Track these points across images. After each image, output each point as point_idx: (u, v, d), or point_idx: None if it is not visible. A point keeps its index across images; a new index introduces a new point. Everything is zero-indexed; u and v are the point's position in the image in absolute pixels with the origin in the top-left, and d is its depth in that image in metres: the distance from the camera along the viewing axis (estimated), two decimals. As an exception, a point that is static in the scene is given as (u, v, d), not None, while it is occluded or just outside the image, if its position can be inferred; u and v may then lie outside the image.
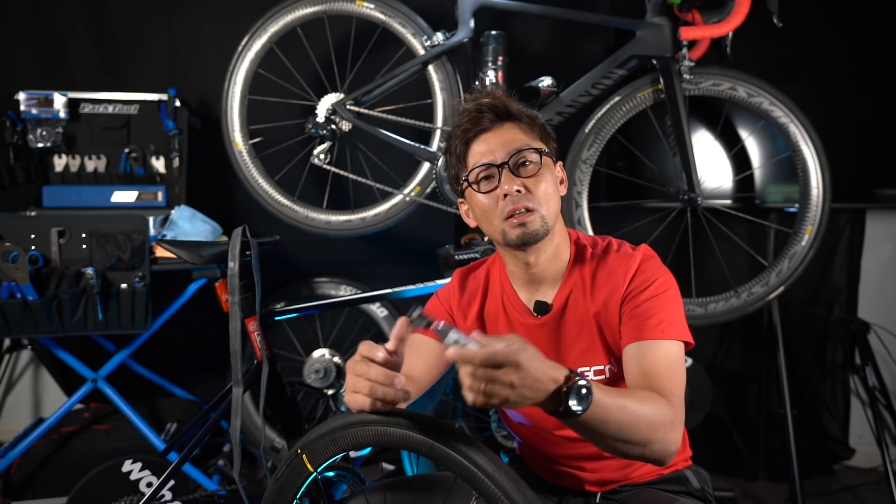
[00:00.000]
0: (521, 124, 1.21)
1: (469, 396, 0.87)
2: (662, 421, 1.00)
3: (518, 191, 1.16)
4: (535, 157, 1.18)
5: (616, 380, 1.23)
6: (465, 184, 1.22)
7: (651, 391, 1.06)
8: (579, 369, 1.23)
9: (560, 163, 1.27)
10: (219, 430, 2.54)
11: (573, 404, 0.90)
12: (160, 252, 2.10)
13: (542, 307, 1.25)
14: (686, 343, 1.15)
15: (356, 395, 0.98)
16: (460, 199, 1.28)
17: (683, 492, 1.27)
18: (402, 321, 1.00)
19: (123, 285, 2.05)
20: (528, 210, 1.16)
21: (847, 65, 2.45)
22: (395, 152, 2.23)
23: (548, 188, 1.19)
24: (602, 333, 1.22)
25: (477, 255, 1.97)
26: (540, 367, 0.89)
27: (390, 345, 1.00)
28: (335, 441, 1.06)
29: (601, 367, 1.23)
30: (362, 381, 0.97)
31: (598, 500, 1.29)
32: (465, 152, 1.21)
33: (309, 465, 1.09)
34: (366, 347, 0.98)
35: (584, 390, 0.91)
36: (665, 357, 1.11)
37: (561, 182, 1.26)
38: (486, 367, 0.85)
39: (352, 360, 0.99)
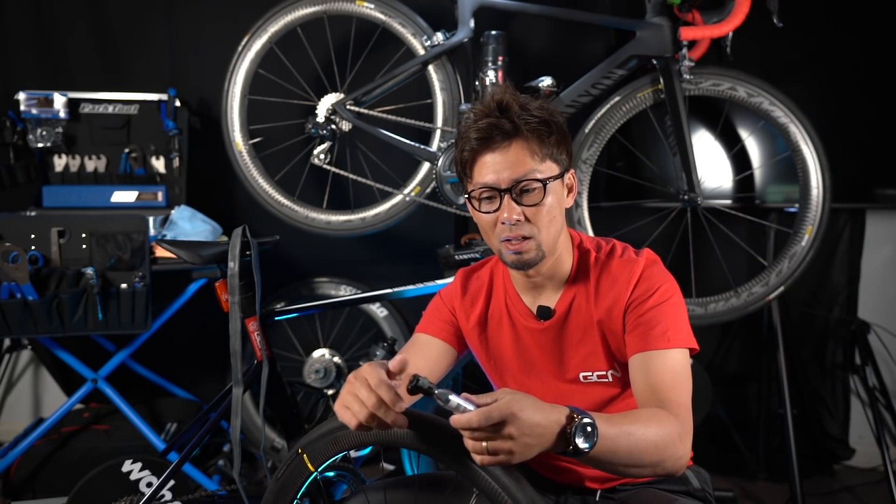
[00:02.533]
0: (531, 143, 1.14)
1: (476, 459, 0.90)
2: (670, 438, 1.01)
3: (517, 219, 1.14)
4: (539, 185, 1.14)
5: (620, 385, 1.24)
6: (468, 196, 1.20)
7: (658, 405, 1.08)
8: (581, 374, 1.24)
9: (572, 171, 1.24)
10: (219, 430, 2.54)
11: (580, 443, 0.91)
12: (160, 252, 2.10)
13: (544, 312, 1.25)
14: (691, 349, 1.16)
15: (347, 412, 0.96)
16: (465, 197, 1.25)
17: (684, 492, 1.27)
18: (401, 361, 0.99)
19: (123, 285, 2.05)
20: (526, 238, 1.15)
21: (847, 65, 2.45)
22: (395, 152, 2.23)
23: (550, 213, 1.16)
24: (605, 339, 1.21)
25: (477, 256, 1.97)
26: (537, 413, 0.90)
27: (393, 366, 0.99)
28: (336, 441, 1.06)
29: (603, 373, 1.23)
30: (359, 405, 0.94)
31: (597, 499, 1.29)
32: (472, 164, 1.18)
33: (310, 465, 1.09)
34: (373, 377, 0.94)
35: (588, 427, 0.92)
36: (671, 368, 1.12)
37: (569, 192, 1.23)
38: (484, 429, 0.87)
39: (355, 378, 0.96)
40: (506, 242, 1.16)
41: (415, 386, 0.92)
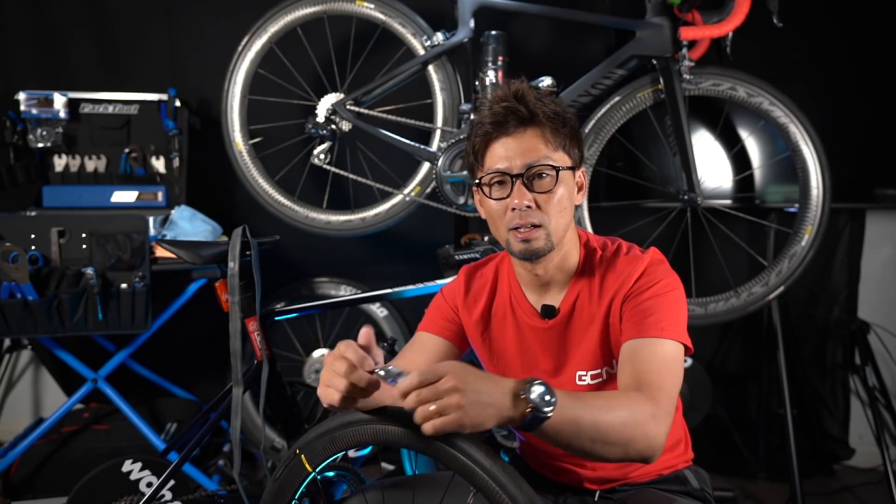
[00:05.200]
0: (545, 131, 1.16)
1: (426, 427, 0.86)
2: (640, 417, 0.97)
3: (528, 206, 1.14)
4: (551, 171, 1.15)
5: (612, 380, 1.23)
6: (478, 184, 1.20)
7: (637, 388, 1.04)
8: (577, 373, 1.23)
9: (583, 170, 1.24)
10: (219, 430, 2.54)
11: (538, 402, 0.88)
12: (160, 252, 2.10)
13: (549, 311, 1.24)
14: (686, 347, 1.14)
15: (329, 389, 0.98)
16: (475, 187, 1.24)
17: (683, 492, 1.27)
18: (366, 330, 1.02)
19: (123, 285, 2.05)
20: (535, 226, 1.15)
21: (847, 65, 2.45)
22: (395, 152, 2.23)
23: (561, 203, 1.16)
24: (605, 334, 1.20)
25: (477, 255, 1.96)
26: (481, 378, 0.89)
27: (361, 341, 1.02)
28: (334, 441, 1.06)
29: (598, 371, 1.22)
30: (337, 378, 0.97)
31: (596, 499, 1.29)
32: (484, 151, 1.18)
33: (308, 465, 1.09)
34: (342, 346, 0.99)
35: (543, 387, 0.89)
36: (661, 356, 1.09)
37: (579, 189, 1.23)
38: (427, 387, 0.86)
39: (330, 356, 1.00)
40: (514, 231, 1.16)
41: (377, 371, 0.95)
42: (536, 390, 0.89)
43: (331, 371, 0.98)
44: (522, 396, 0.89)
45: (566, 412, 0.91)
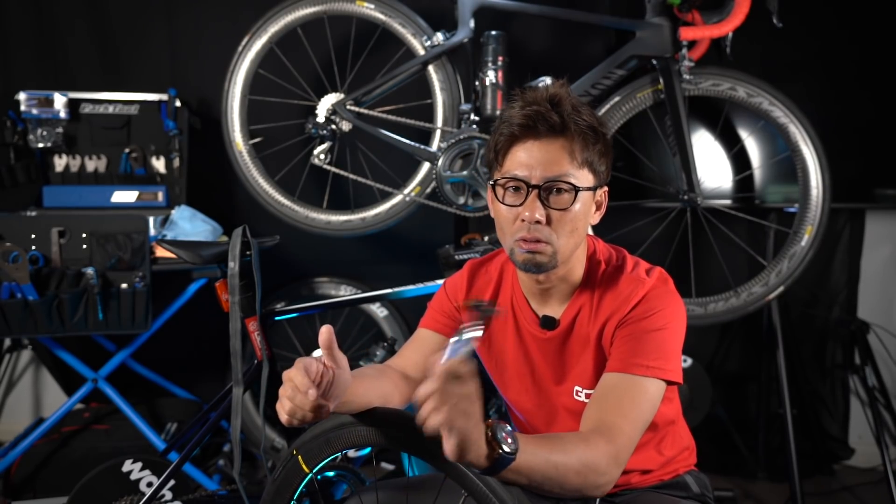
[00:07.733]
0: (574, 145, 1.09)
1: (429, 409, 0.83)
2: (595, 463, 0.96)
3: (539, 220, 1.09)
4: (570, 190, 1.09)
5: None
6: (493, 185, 1.15)
7: (598, 425, 1.02)
8: (575, 388, 1.21)
9: (606, 189, 1.18)
10: (219, 430, 2.55)
11: (506, 446, 0.86)
12: (160, 252, 2.10)
13: (549, 322, 1.22)
14: (673, 382, 1.11)
15: (278, 407, 0.96)
16: (489, 186, 1.18)
17: (684, 496, 1.26)
18: (325, 328, 0.98)
19: (124, 285, 2.06)
20: (542, 241, 1.10)
21: (847, 65, 2.45)
22: (395, 152, 2.23)
23: (574, 223, 1.11)
24: (601, 357, 1.18)
25: (477, 256, 1.97)
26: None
27: (323, 356, 0.98)
28: (329, 442, 1.07)
29: (592, 392, 1.18)
30: (284, 399, 0.94)
31: None
32: (506, 151, 1.12)
33: (304, 466, 1.09)
34: (290, 371, 0.95)
35: (509, 428, 0.87)
36: (634, 395, 1.07)
37: (598, 209, 1.18)
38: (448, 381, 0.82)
39: (285, 373, 0.95)
40: (520, 241, 1.11)
41: (474, 304, 0.93)
42: (502, 430, 0.86)
43: (281, 393, 0.95)
44: (489, 436, 0.86)
45: (526, 456, 0.89)
